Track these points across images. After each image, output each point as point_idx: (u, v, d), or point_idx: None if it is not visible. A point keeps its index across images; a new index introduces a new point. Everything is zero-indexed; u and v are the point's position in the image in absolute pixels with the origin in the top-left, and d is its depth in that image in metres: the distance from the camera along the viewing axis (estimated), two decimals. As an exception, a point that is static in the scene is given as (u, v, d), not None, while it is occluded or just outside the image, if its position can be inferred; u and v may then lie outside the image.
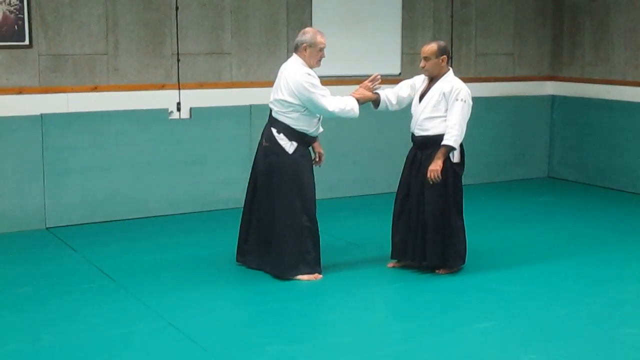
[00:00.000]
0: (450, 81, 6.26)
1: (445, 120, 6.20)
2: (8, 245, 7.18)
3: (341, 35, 8.95)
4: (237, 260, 6.55)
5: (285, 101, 6.15)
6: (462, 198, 6.38)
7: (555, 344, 5.02)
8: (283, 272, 6.22)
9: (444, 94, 6.21)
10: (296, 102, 6.13)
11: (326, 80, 9.02)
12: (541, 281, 6.27)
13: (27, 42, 7.49)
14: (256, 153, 6.45)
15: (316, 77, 6.21)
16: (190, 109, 8.31)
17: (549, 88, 10.57)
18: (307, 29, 6.41)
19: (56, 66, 7.66)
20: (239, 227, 6.54)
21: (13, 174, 7.55)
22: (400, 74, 9.25)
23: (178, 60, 8.19)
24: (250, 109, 8.57)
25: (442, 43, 6.37)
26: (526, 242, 7.38)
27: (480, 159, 9.76)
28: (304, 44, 6.21)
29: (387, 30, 9.24)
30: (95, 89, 7.86)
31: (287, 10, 8.70)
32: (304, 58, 6.23)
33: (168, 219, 8.12)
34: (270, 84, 8.61)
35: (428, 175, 6.16)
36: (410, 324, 5.38)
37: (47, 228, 7.68)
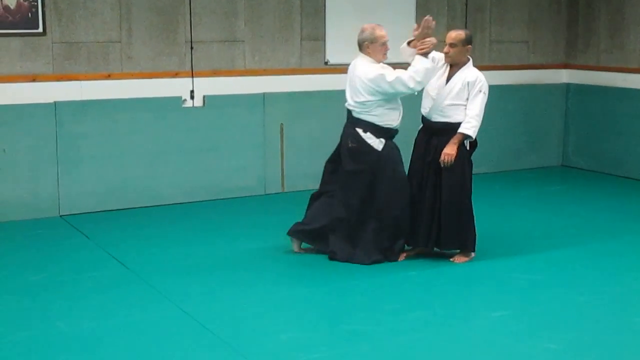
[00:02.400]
0: (473, 72, 6.27)
1: (465, 108, 6.21)
2: (22, 232, 7.19)
3: (355, 22, 8.86)
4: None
5: (368, 101, 6.20)
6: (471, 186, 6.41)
7: (569, 332, 5.01)
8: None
9: (468, 83, 6.21)
10: (377, 98, 6.19)
11: (341, 68, 9.03)
12: (555, 270, 6.25)
13: (40, 29, 7.49)
14: (340, 156, 6.43)
15: (385, 66, 6.22)
16: (204, 96, 8.29)
17: (564, 76, 10.51)
18: (365, 25, 6.37)
19: (70, 54, 7.66)
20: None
21: (27, 161, 7.56)
22: (414, 61, 9.21)
23: (191, 48, 8.17)
24: (264, 96, 8.55)
25: (468, 32, 6.36)
26: (540, 230, 7.35)
27: (495, 147, 9.72)
28: (365, 42, 6.26)
29: (401, 18, 9.18)
30: (108, 76, 7.85)
31: (300, -3, 8.68)
32: (369, 55, 6.27)
33: (182, 207, 8.12)
34: (283, 71, 8.67)
35: (442, 158, 6.16)
36: (423, 312, 5.37)
37: (60, 215, 7.69)
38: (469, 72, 6.25)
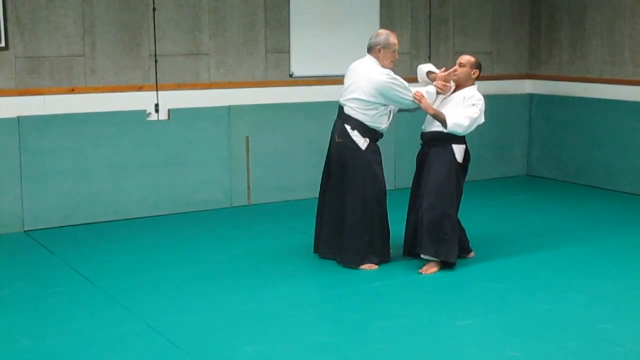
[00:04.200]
0: (473, 91, 6.50)
1: None
2: (-14, 248, 7.14)
3: (319, 35, 8.96)
4: (315, 252, 6.76)
5: (367, 101, 6.32)
6: (460, 195, 6.56)
7: (534, 340, 5.05)
8: (354, 261, 6.44)
9: (464, 97, 6.45)
10: (377, 101, 6.32)
11: (306, 80, 9.05)
12: (520, 278, 6.30)
13: (2, 44, 7.44)
14: (329, 148, 6.63)
15: (393, 74, 6.37)
16: (169, 110, 8.28)
17: (527, 86, 10.62)
18: (380, 30, 6.56)
19: (33, 68, 7.62)
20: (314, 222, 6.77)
21: (-10, 177, 7.50)
22: (378, 73, 9.25)
23: (156, 62, 8.16)
24: (229, 109, 8.55)
25: (478, 59, 6.59)
26: (505, 239, 7.40)
27: (460, 157, 9.77)
28: (378, 46, 6.40)
29: (365, 30, 9.18)
30: (72, 90, 7.82)
31: (265, 10, 8.69)
32: (377, 59, 6.41)
33: (147, 221, 8.08)
34: (248, 84, 8.68)
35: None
36: (388, 322, 5.38)
37: (25, 231, 7.63)
38: (469, 91, 6.49)
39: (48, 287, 6.07)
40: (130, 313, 5.50)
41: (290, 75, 8.89)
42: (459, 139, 6.45)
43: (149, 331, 5.19)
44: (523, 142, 10.62)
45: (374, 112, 6.36)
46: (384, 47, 6.38)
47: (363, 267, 6.45)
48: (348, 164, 6.42)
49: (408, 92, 6.32)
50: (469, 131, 6.42)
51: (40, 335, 5.13)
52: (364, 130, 6.38)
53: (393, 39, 6.42)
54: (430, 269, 6.40)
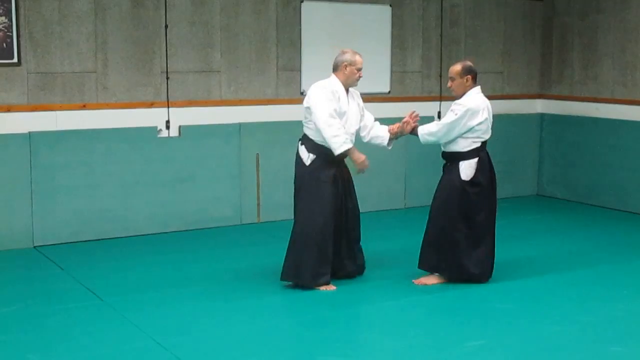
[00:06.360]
0: (463, 98, 6.36)
1: (462, 138, 6.33)
2: (-5, 263, 7.14)
3: (330, 53, 8.91)
4: None
5: (307, 108, 6.33)
6: (471, 213, 6.43)
7: (544, 362, 5.02)
8: (284, 276, 6.38)
9: (451, 109, 6.38)
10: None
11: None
12: (531, 299, 6.27)
13: (15, 60, 7.47)
14: None
15: (336, 97, 6.28)
16: (180, 127, 8.29)
17: (538, 106, 10.61)
18: (345, 49, 6.54)
19: (45, 84, 7.65)
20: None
21: (1, 192, 7.50)
22: (389, 92, 9.26)
23: (167, 78, 8.18)
24: (240, 126, 8.57)
25: (467, 63, 6.46)
26: (515, 260, 7.37)
27: (470, 176, 9.75)
28: (344, 63, 6.38)
29: (376, 49, 9.26)
30: (84, 107, 7.84)
31: (276, 28, 8.71)
32: (343, 76, 6.37)
33: (157, 237, 8.08)
34: (259, 101, 8.71)
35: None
36: (400, 342, 5.36)
37: (35, 247, 7.63)
38: (461, 99, 6.36)
39: (57, 303, 6.06)
40: (139, 330, 5.49)
41: (302, 93, 8.89)
42: (468, 155, 6.36)
43: (158, 348, 5.17)
44: (534, 162, 10.60)
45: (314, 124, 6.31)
46: (349, 64, 6.36)
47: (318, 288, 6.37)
48: (296, 180, 6.44)
49: (324, 114, 6.15)
50: (448, 137, 6.29)
51: (48, 352, 5.12)
52: (311, 145, 6.33)
53: (358, 57, 6.42)
54: (423, 280, 6.49)
